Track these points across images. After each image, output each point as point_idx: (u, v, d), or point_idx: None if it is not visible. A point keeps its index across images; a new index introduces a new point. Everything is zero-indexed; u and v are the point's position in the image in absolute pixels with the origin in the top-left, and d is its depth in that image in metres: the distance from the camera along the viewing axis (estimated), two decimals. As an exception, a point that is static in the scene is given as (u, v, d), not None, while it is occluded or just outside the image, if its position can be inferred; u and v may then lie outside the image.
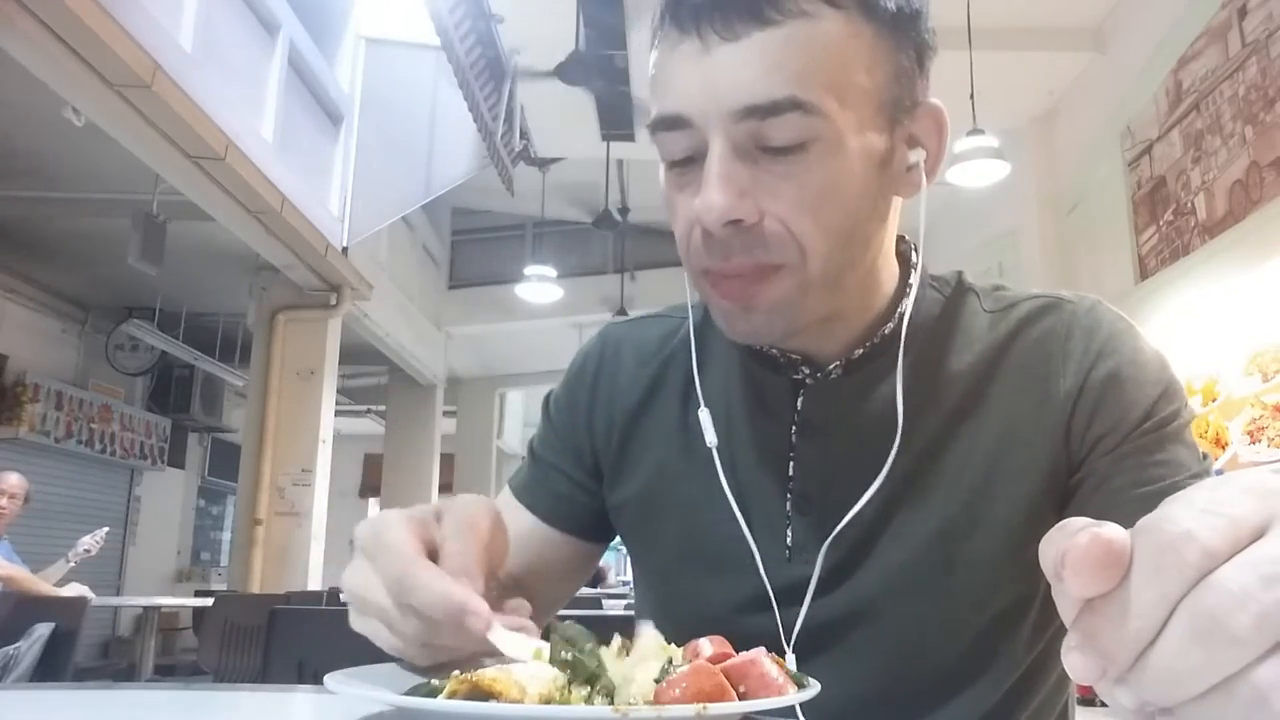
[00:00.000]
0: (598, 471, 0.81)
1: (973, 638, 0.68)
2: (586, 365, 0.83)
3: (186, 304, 7.66)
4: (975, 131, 4.28)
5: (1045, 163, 5.38)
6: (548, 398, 0.86)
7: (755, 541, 0.69)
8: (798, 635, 0.68)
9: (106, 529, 4.72)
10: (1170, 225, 4.21)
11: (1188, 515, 0.27)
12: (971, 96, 4.28)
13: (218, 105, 4.18)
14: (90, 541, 4.52)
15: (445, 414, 9.90)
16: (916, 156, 0.65)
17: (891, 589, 0.67)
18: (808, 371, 0.71)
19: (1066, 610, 0.29)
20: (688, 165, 0.62)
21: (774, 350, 0.72)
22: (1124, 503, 0.62)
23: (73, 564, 4.32)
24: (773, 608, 0.68)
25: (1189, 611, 0.26)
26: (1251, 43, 3.64)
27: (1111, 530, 0.28)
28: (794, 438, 0.71)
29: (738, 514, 0.70)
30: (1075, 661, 0.28)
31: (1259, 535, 0.27)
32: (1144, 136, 4.43)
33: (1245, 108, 3.68)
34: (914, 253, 0.74)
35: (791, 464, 0.71)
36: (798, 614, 0.67)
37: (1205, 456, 0.66)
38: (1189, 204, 4.06)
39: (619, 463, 0.79)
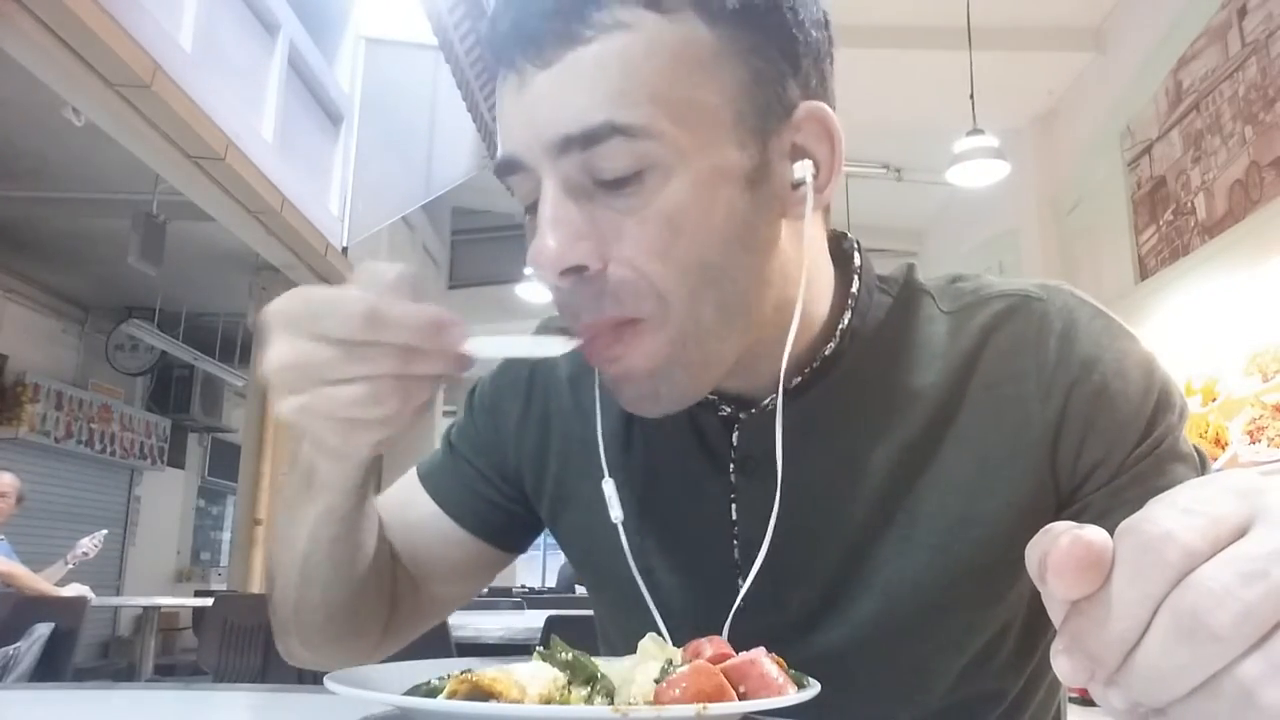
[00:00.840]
0: (518, 482, 0.75)
1: (953, 680, 0.63)
2: (520, 372, 0.76)
3: (186, 304, 7.66)
4: (975, 131, 4.28)
5: (1045, 163, 5.38)
6: (473, 390, 0.79)
7: (690, 597, 0.65)
8: None
9: (105, 532, 4.73)
10: (1170, 225, 4.21)
11: (1169, 515, 0.28)
12: (971, 96, 4.28)
13: (218, 105, 4.18)
14: (89, 544, 4.53)
15: (445, 414, 9.89)
16: (803, 170, 0.56)
17: (860, 642, 0.61)
18: (730, 409, 0.63)
19: (1054, 613, 0.29)
20: (533, 211, 0.55)
21: None
22: None
23: (71, 565, 4.33)
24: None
25: (1171, 611, 0.26)
26: (1251, 43, 3.64)
27: (1093, 532, 0.28)
28: (733, 477, 0.64)
29: (643, 589, 0.64)
30: (1063, 664, 0.28)
31: (1240, 534, 0.27)
32: (1144, 136, 4.43)
33: (1245, 108, 3.68)
34: (857, 254, 0.65)
35: (734, 506, 0.64)
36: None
37: (1202, 460, 0.60)
38: (1189, 204, 4.06)
39: (557, 486, 0.73)
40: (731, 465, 0.64)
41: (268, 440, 6.04)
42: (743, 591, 0.61)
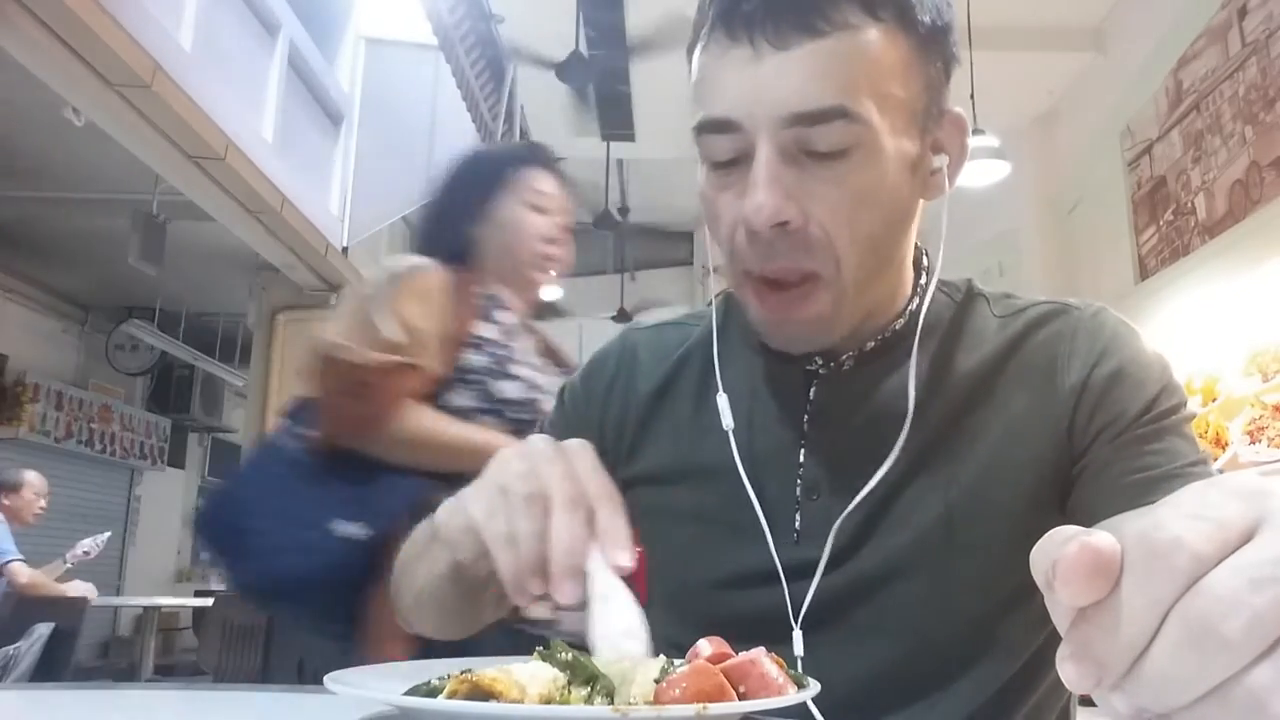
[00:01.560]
0: (606, 459, 0.81)
1: (974, 621, 0.70)
2: (606, 362, 0.86)
3: (186, 304, 7.66)
4: (975, 131, 4.27)
5: (1045, 163, 5.37)
6: (563, 389, 0.89)
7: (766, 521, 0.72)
8: (800, 617, 0.69)
9: (108, 534, 4.74)
10: (1170, 225, 4.21)
11: (1176, 521, 0.27)
12: (971, 96, 4.27)
13: (217, 105, 4.18)
14: (91, 544, 4.53)
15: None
16: (940, 161, 0.69)
17: (894, 569, 0.69)
18: (820, 362, 0.74)
19: (1060, 620, 0.29)
20: (731, 167, 0.65)
21: None
22: (1121, 488, 0.65)
23: (70, 565, 4.33)
24: (781, 584, 0.70)
25: (1180, 618, 0.26)
26: (1251, 43, 3.64)
27: (1101, 539, 0.27)
28: (805, 426, 0.74)
29: (751, 494, 0.72)
30: (1070, 671, 0.28)
31: (1248, 538, 0.27)
32: (1144, 136, 4.43)
33: (1245, 108, 3.68)
34: (925, 256, 0.78)
35: (802, 451, 0.74)
36: (803, 592, 0.69)
37: (1204, 453, 0.68)
38: (1189, 204, 4.06)
39: (631, 450, 0.82)
40: (806, 416, 0.74)
41: (268, 440, 6.03)
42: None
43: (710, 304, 0.82)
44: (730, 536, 0.74)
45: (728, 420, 0.74)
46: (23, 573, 4.17)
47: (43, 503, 4.53)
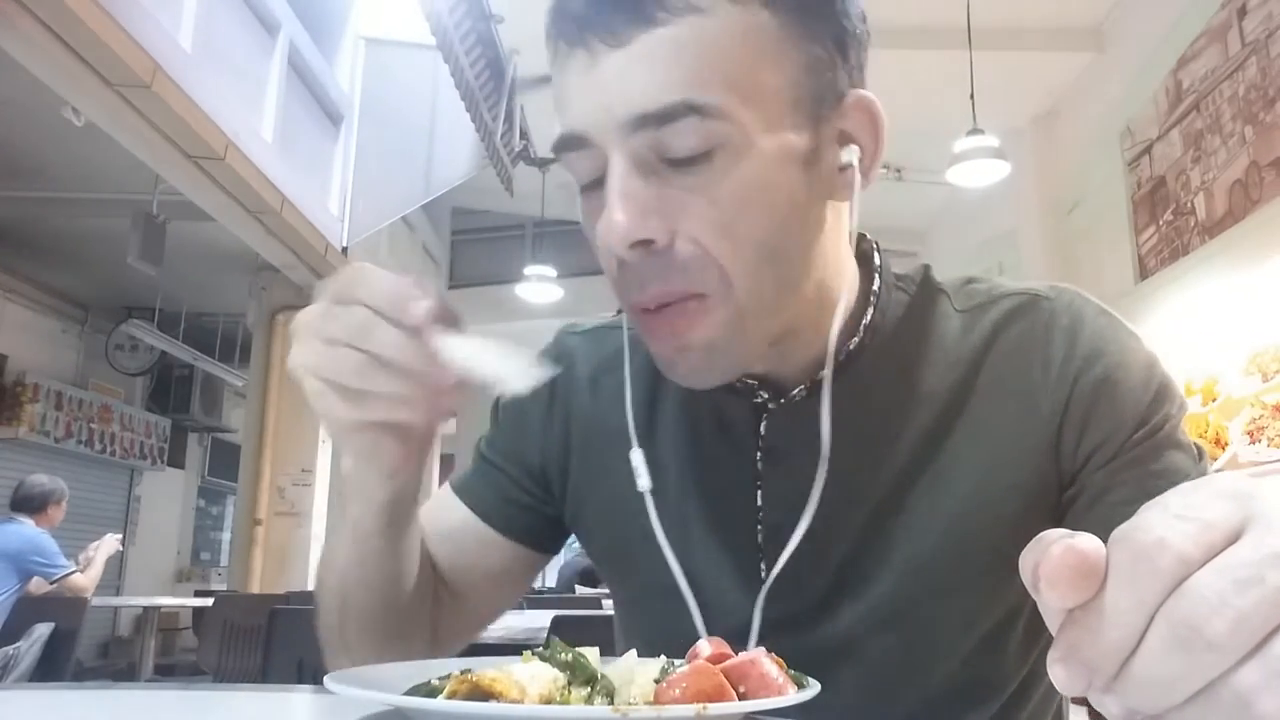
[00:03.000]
0: (545, 483, 0.77)
1: (961, 662, 0.65)
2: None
3: (186, 304, 7.66)
4: (975, 131, 4.28)
5: (1045, 163, 5.37)
6: (496, 401, 0.81)
7: (715, 578, 0.66)
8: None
9: (119, 536, 4.74)
10: (1170, 225, 4.21)
11: (1161, 522, 0.27)
12: (971, 96, 4.28)
13: (217, 105, 4.18)
14: (110, 545, 4.54)
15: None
16: (850, 155, 0.59)
17: (874, 619, 0.64)
18: (766, 396, 0.66)
19: (1051, 621, 0.29)
20: (598, 188, 0.57)
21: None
22: (1121, 519, 0.59)
23: (79, 569, 4.32)
24: (743, 642, 0.64)
25: (1166, 619, 0.26)
26: (1251, 43, 3.64)
27: (1085, 541, 0.28)
28: (759, 465, 0.66)
29: (671, 561, 0.66)
30: (1059, 673, 0.28)
31: (1234, 538, 0.27)
32: (1144, 136, 4.43)
33: (1245, 108, 3.68)
34: (876, 254, 0.68)
35: (759, 493, 0.66)
36: (784, 648, 0.63)
37: (1200, 452, 0.63)
38: (1189, 204, 4.06)
39: (576, 482, 0.75)
40: (758, 454, 0.66)
41: (268, 440, 6.04)
42: (771, 577, 0.64)
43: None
44: (675, 603, 0.66)
45: (644, 482, 0.66)
46: (79, 581, 4.20)
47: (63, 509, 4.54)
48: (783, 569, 0.63)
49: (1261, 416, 3.52)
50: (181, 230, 5.40)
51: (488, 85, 5.34)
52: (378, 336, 0.50)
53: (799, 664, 0.62)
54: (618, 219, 0.54)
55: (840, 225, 0.63)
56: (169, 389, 8.61)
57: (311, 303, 0.54)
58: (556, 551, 0.80)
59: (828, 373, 0.61)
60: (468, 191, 7.77)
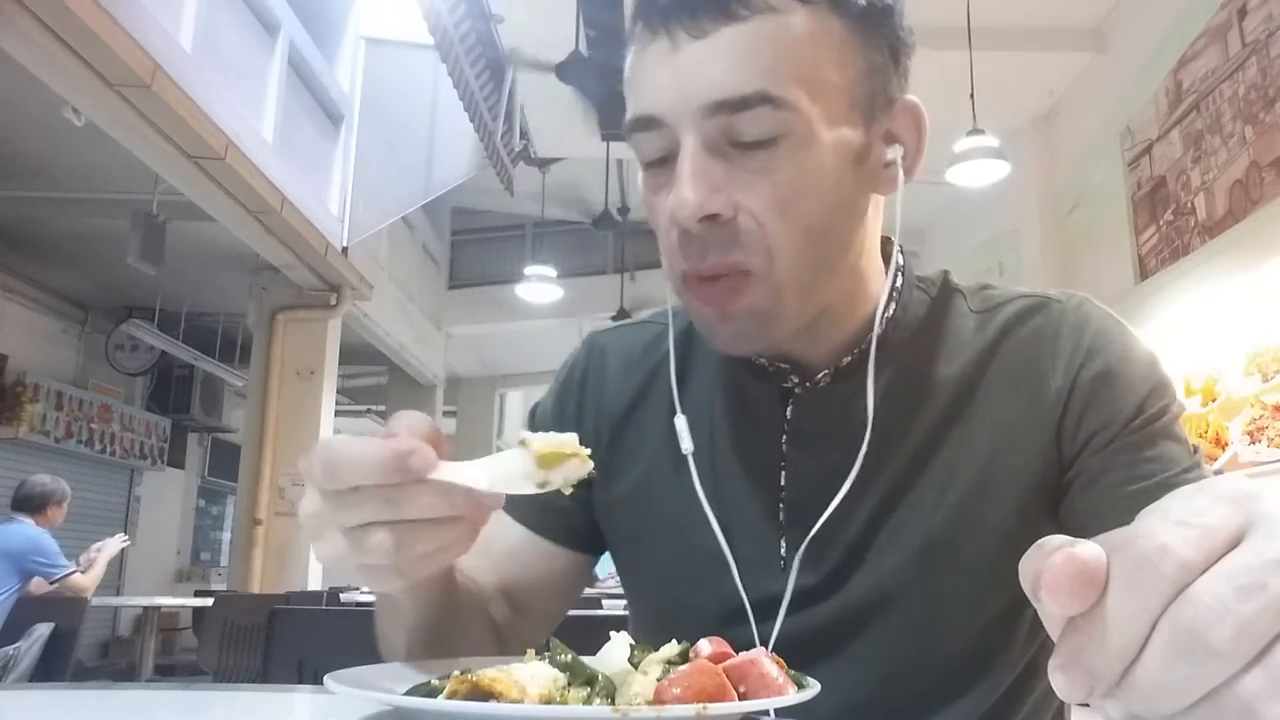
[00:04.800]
0: (586, 480, 0.78)
1: (969, 640, 0.68)
2: (572, 375, 0.82)
3: (186, 304, 7.66)
4: (975, 131, 4.27)
5: (1045, 163, 5.37)
6: (534, 408, 0.85)
7: (739, 551, 0.69)
8: (791, 643, 0.66)
9: (125, 539, 4.74)
10: (1170, 225, 4.21)
11: (1162, 528, 0.27)
12: (971, 96, 4.28)
13: (218, 105, 4.18)
14: (114, 546, 4.53)
15: (445, 414, 9.89)
16: (894, 153, 0.65)
17: (886, 594, 0.67)
18: (796, 380, 0.70)
19: (1052, 628, 0.29)
20: (663, 166, 0.62)
21: (761, 359, 0.71)
22: (1116, 499, 0.63)
23: (81, 570, 4.32)
24: (758, 617, 0.67)
25: (1169, 626, 0.26)
26: (1251, 43, 3.64)
27: (1086, 549, 0.27)
28: (784, 447, 0.70)
29: (714, 525, 0.69)
30: (1061, 680, 0.28)
31: (1235, 543, 0.27)
32: (1144, 136, 4.43)
33: (1245, 108, 3.68)
34: (898, 254, 0.73)
35: (783, 474, 0.70)
36: (797, 623, 0.67)
37: (1196, 450, 0.66)
38: (1189, 204, 4.06)
39: (605, 469, 0.77)
40: (784, 437, 0.70)
41: (268, 440, 6.04)
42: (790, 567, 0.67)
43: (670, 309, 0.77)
44: (701, 577, 0.70)
45: (687, 445, 0.70)
46: (80, 581, 4.19)
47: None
48: (795, 546, 0.68)
49: (1261, 416, 3.52)
50: (181, 230, 5.40)
51: (488, 85, 5.33)
52: (408, 503, 0.48)
53: (812, 635, 0.67)
54: (688, 195, 0.59)
55: (877, 219, 0.69)
56: (169, 389, 8.60)
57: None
58: (604, 550, 0.83)
59: (872, 354, 0.66)
60: (468, 191, 7.77)
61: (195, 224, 5.33)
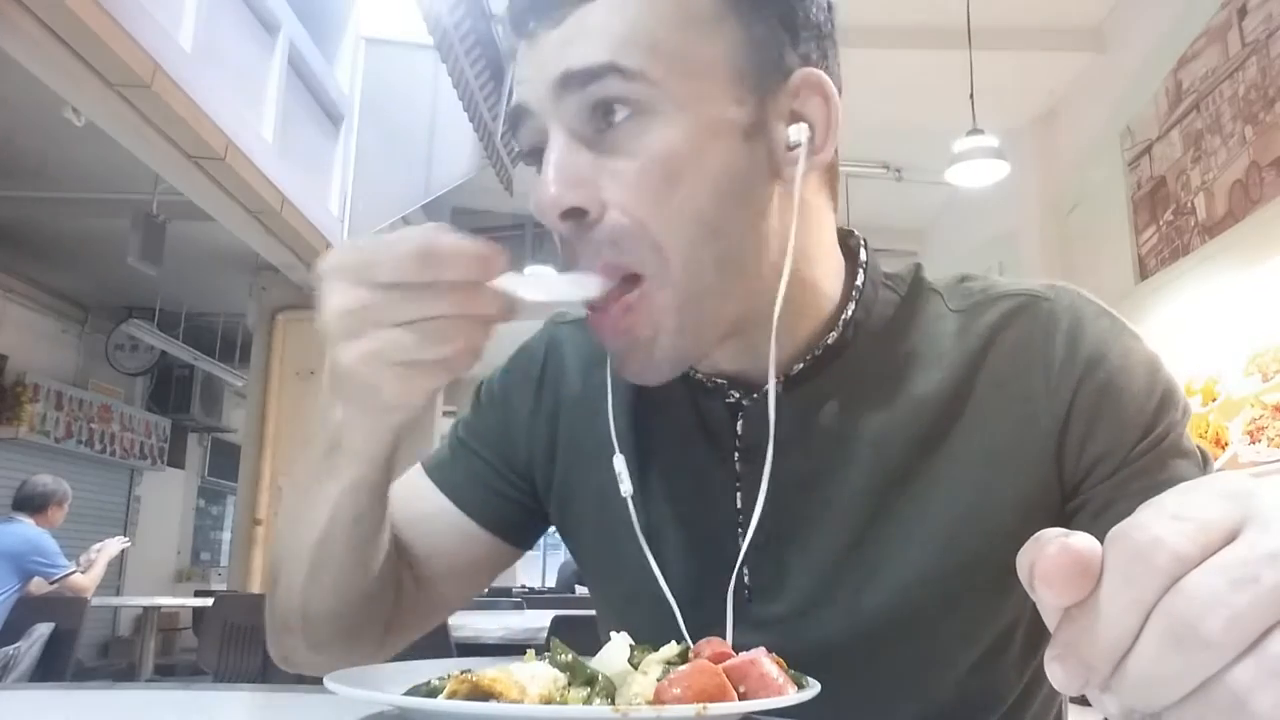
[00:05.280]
0: (529, 476, 0.75)
1: (958, 675, 0.63)
2: (530, 366, 0.76)
3: (186, 304, 7.66)
4: (975, 131, 4.27)
5: (1045, 163, 5.37)
6: (480, 386, 0.79)
7: (688, 588, 0.64)
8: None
9: (126, 541, 4.74)
10: (1170, 225, 4.21)
11: (1158, 521, 0.27)
12: (971, 96, 4.28)
13: (218, 105, 4.18)
14: (114, 547, 4.54)
15: (445, 414, 9.88)
16: (799, 133, 0.58)
17: (867, 633, 0.61)
18: (738, 395, 0.64)
19: (1049, 620, 0.29)
20: (538, 161, 0.58)
21: (698, 374, 0.65)
22: None
23: (81, 570, 4.32)
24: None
25: (1162, 617, 0.26)
26: (1251, 43, 3.64)
27: (1080, 540, 0.28)
28: (737, 465, 0.64)
29: (654, 567, 0.64)
30: (1056, 671, 0.28)
31: (1230, 538, 0.27)
32: (1144, 136, 4.43)
33: (1245, 108, 3.68)
34: (863, 250, 0.67)
35: (739, 495, 0.64)
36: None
37: (1205, 457, 0.61)
38: (1189, 204, 4.06)
39: (560, 477, 0.73)
40: (736, 454, 0.65)
41: (268, 440, 6.03)
42: (731, 579, 0.63)
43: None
44: (653, 609, 0.64)
45: (626, 488, 0.64)
46: (80, 581, 4.20)
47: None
48: (767, 572, 0.63)
49: (1261, 416, 3.52)
50: (181, 230, 5.40)
51: (488, 85, 5.33)
52: (483, 301, 0.50)
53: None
54: (548, 188, 0.55)
55: (824, 210, 0.63)
56: (169, 389, 8.60)
57: (316, 290, 0.51)
58: (530, 547, 0.78)
59: (770, 366, 0.58)
60: (468, 191, 7.76)
61: (195, 224, 5.32)
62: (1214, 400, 3.80)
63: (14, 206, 5.64)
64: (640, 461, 0.68)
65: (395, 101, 6.47)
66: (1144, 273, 4.44)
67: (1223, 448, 3.70)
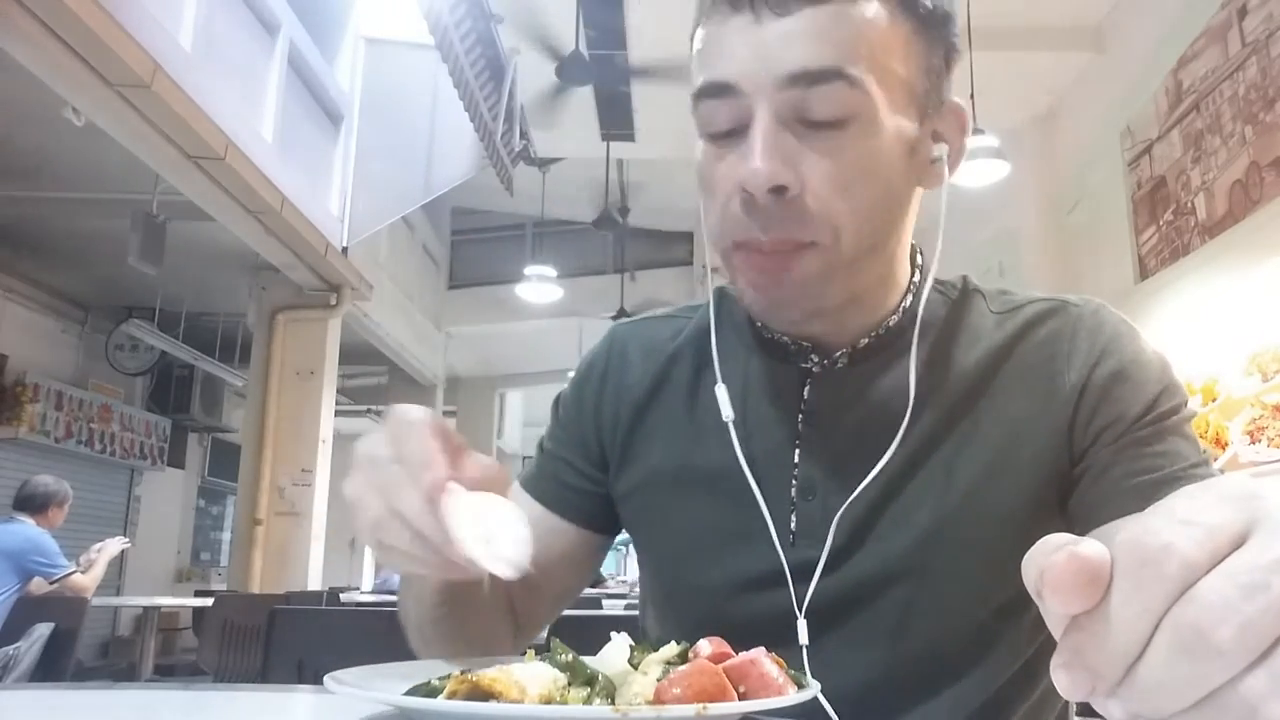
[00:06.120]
0: (604, 464, 0.83)
1: (974, 627, 0.69)
2: (594, 364, 0.85)
3: (186, 304, 7.66)
4: (975, 131, 4.27)
5: (1045, 163, 5.37)
6: (557, 398, 0.88)
7: (755, 523, 0.71)
8: (802, 616, 0.69)
9: (127, 541, 4.74)
10: (1170, 225, 4.21)
11: (1167, 527, 0.27)
12: (971, 96, 4.27)
13: (218, 105, 4.18)
14: (114, 547, 4.53)
15: (445, 414, 9.88)
16: (940, 151, 0.68)
17: (893, 571, 0.69)
18: (815, 360, 0.73)
19: (1055, 627, 0.29)
20: (729, 137, 0.64)
21: (784, 338, 0.74)
22: (1123, 491, 0.65)
23: (81, 570, 4.32)
24: (786, 583, 0.70)
25: (1172, 625, 0.26)
26: (1251, 43, 3.64)
27: (1089, 547, 0.27)
28: (800, 425, 0.73)
29: (756, 491, 0.71)
30: (1063, 679, 0.28)
31: (1239, 542, 0.27)
32: (1144, 136, 4.43)
33: (1245, 108, 3.68)
34: (919, 254, 0.77)
35: (797, 451, 0.73)
36: (803, 594, 0.69)
37: (1205, 453, 0.67)
38: (1189, 204, 4.06)
39: (625, 452, 0.80)
40: (800, 416, 0.73)
41: (268, 440, 6.03)
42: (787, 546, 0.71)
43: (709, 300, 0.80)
44: (731, 539, 0.73)
45: (727, 412, 0.73)
46: (80, 581, 4.19)
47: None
48: (809, 520, 0.71)
49: (1261, 416, 3.52)
50: (181, 230, 5.40)
51: (488, 85, 5.33)
52: (402, 497, 0.52)
53: (816, 608, 0.69)
54: (760, 165, 0.61)
55: (914, 214, 0.72)
56: (169, 389, 8.60)
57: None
58: (618, 533, 0.86)
59: (916, 331, 0.70)
60: (468, 191, 7.77)
61: (195, 224, 5.32)
62: (1214, 400, 3.80)
63: (14, 206, 5.64)
64: (709, 419, 0.75)
65: (395, 101, 6.48)
66: (1144, 273, 4.44)
67: (1223, 448, 3.70)
